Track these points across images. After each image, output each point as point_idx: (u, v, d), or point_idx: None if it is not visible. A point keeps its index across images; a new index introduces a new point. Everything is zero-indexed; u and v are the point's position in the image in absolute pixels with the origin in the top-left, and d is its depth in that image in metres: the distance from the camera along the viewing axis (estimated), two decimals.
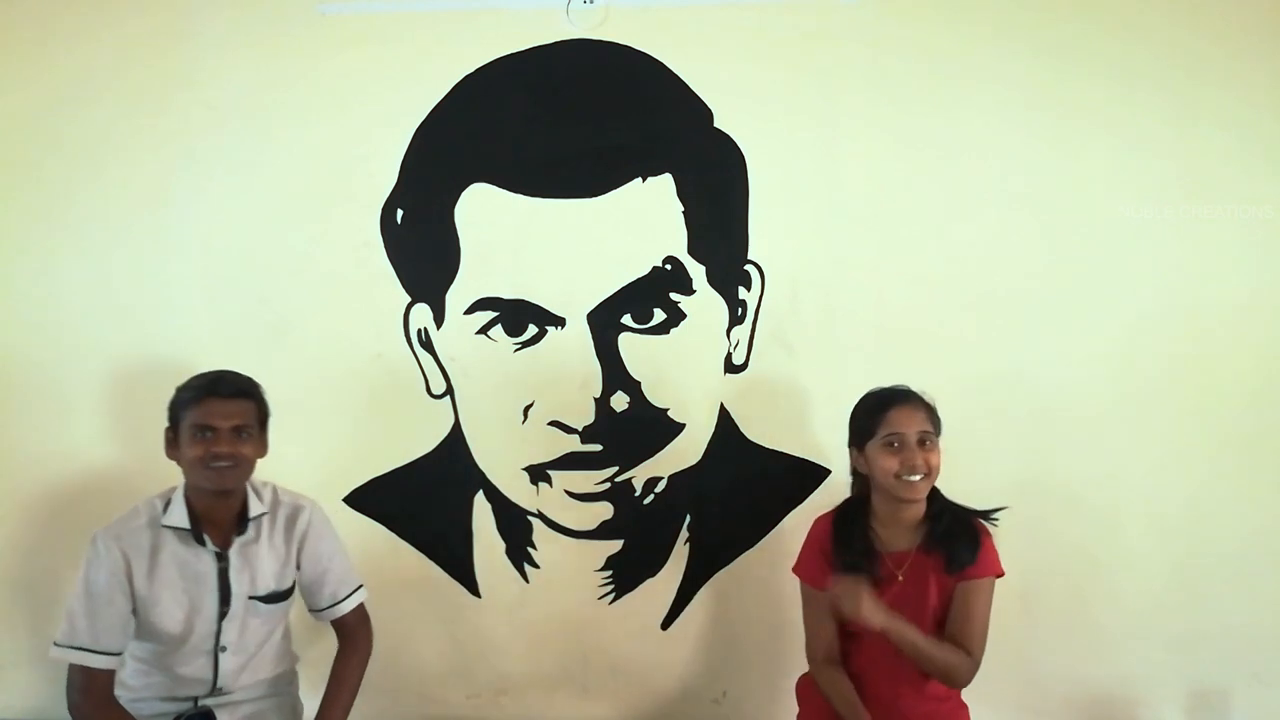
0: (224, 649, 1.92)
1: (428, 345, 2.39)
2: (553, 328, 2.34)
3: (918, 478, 1.89)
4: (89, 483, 2.36)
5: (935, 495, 1.98)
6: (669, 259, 2.34)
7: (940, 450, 1.93)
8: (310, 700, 2.12)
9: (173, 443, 1.92)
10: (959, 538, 1.92)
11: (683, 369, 2.35)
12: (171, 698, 1.93)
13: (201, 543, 1.90)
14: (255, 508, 1.95)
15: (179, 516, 1.90)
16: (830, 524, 2.02)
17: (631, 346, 2.33)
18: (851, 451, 2.01)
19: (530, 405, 2.35)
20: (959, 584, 1.92)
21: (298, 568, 2.00)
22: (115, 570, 1.85)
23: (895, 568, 1.95)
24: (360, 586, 2.06)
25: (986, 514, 1.99)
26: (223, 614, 1.91)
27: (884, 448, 1.92)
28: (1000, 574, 1.95)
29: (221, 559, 1.91)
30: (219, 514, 1.92)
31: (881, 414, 1.95)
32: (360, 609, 2.06)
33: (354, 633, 2.05)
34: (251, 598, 1.93)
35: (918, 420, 1.92)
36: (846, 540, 1.97)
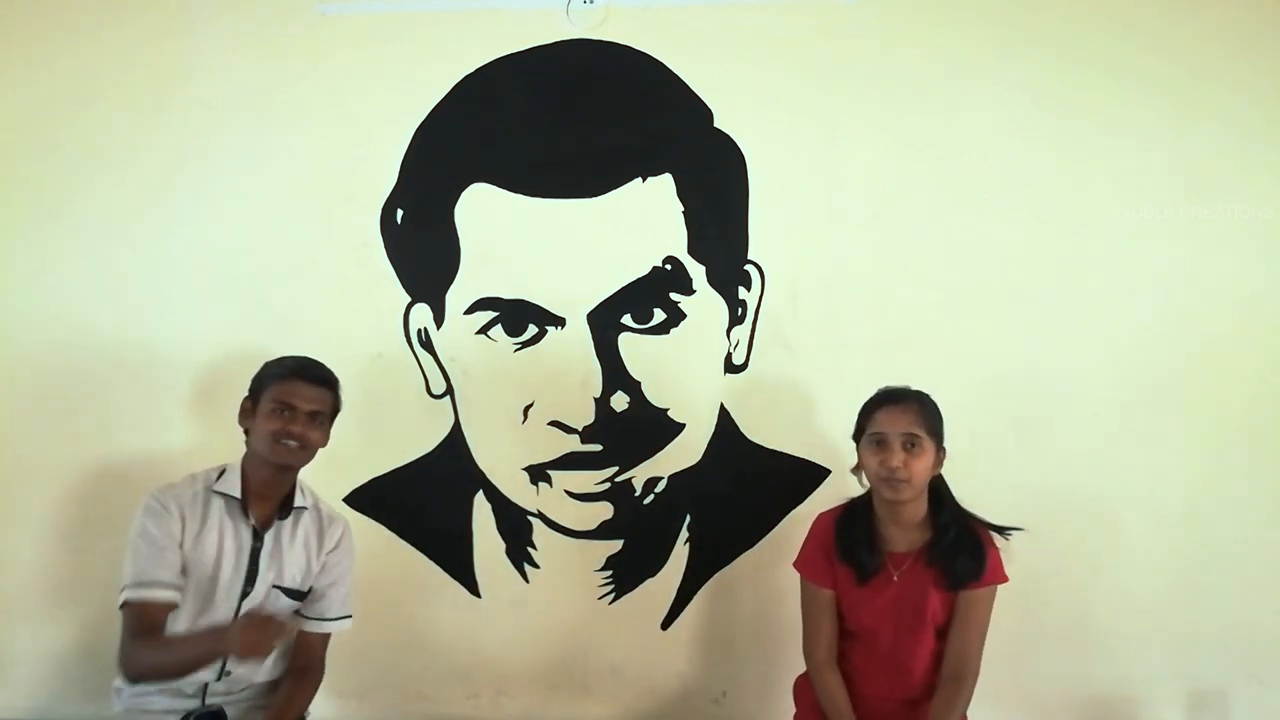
0: None
1: (428, 345, 2.39)
2: (553, 328, 2.34)
3: (896, 477, 1.88)
4: (90, 485, 2.36)
5: (944, 501, 1.98)
6: (669, 259, 2.34)
7: (934, 456, 1.92)
8: (314, 701, 2.13)
9: (248, 412, 1.98)
10: (961, 553, 1.92)
11: (683, 369, 2.35)
12: (179, 692, 1.93)
13: (246, 515, 1.96)
14: (300, 500, 2.02)
15: (232, 485, 1.97)
16: (833, 520, 2.03)
17: (631, 346, 2.33)
18: (855, 446, 2.01)
19: (530, 405, 2.35)
20: (961, 592, 1.92)
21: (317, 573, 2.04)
22: (170, 521, 1.91)
23: (894, 568, 1.95)
24: (349, 619, 2.07)
25: (999, 529, 1.98)
26: (245, 593, 1.94)
27: (870, 445, 1.94)
28: (1004, 581, 1.95)
29: (257, 538, 1.95)
30: (270, 492, 1.98)
31: (872, 412, 1.97)
32: (327, 642, 2.06)
33: (312, 659, 2.03)
34: (275, 586, 1.96)
35: (904, 421, 1.91)
36: (850, 535, 1.98)
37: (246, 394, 1.99)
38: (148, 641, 1.83)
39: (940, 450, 1.95)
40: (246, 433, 1.99)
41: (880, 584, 1.95)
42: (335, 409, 2.03)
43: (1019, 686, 2.30)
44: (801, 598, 2.05)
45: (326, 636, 2.06)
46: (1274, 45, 2.33)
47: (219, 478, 1.98)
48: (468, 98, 2.39)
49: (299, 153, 2.41)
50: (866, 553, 1.95)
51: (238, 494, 1.96)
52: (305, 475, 2.12)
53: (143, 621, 1.85)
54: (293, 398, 1.94)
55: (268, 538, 1.96)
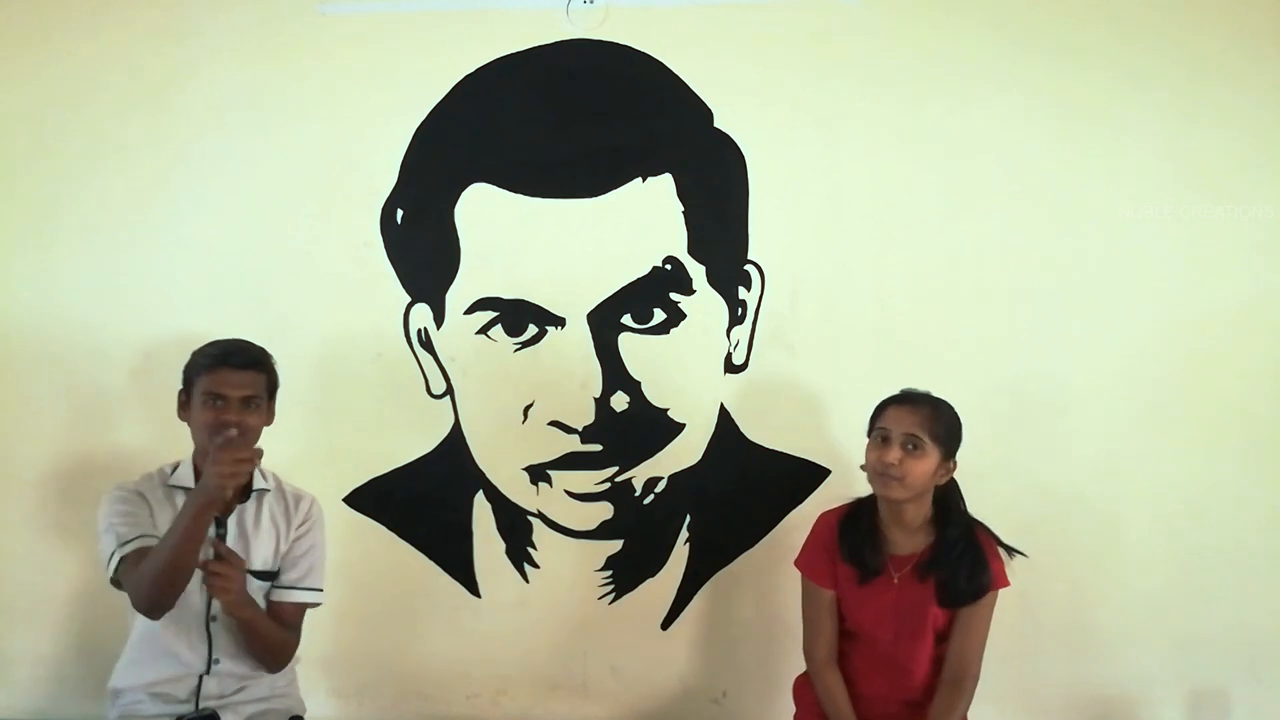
0: (214, 619, 1.93)
1: (428, 345, 2.39)
2: (553, 328, 2.34)
3: (889, 473, 1.88)
4: (91, 485, 2.35)
5: (954, 511, 1.96)
6: (669, 259, 2.34)
7: (936, 462, 1.90)
8: (311, 700, 2.13)
9: (184, 405, 1.98)
10: (963, 569, 1.90)
11: (683, 369, 2.34)
12: (172, 697, 1.93)
13: None
14: (259, 483, 2.01)
15: (185, 477, 1.98)
16: (836, 520, 2.02)
17: (631, 346, 2.33)
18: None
19: (530, 405, 2.35)
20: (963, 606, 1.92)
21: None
22: (135, 500, 1.94)
23: (896, 571, 1.95)
24: (320, 592, 2.03)
25: (1007, 548, 1.97)
26: None
27: (874, 441, 1.95)
28: (1005, 586, 1.95)
29: (220, 525, 1.93)
30: None
31: (884, 410, 1.96)
32: (301, 614, 2.02)
33: (286, 628, 1.99)
34: (246, 570, 1.94)
35: (909, 422, 1.90)
36: (854, 534, 1.97)
37: (180, 387, 1.98)
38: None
39: (947, 460, 1.93)
40: (189, 425, 1.98)
41: (881, 586, 1.95)
42: (272, 387, 2.01)
43: (1019, 687, 2.30)
44: (802, 597, 2.05)
45: (298, 609, 2.01)
46: (1274, 45, 2.33)
47: (173, 472, 1.99)
48: (468, 98, 2.39)
49: (299, 153, 2.40)
50: (870, 553, 1.95)
51: (192, 485, 1.95)
52: (306, 474, 2.12)
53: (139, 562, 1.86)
54: (222, 386, 1.91)
55: (230, 524, 1.95)
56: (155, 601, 1.84)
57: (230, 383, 1.92)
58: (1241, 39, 2.33)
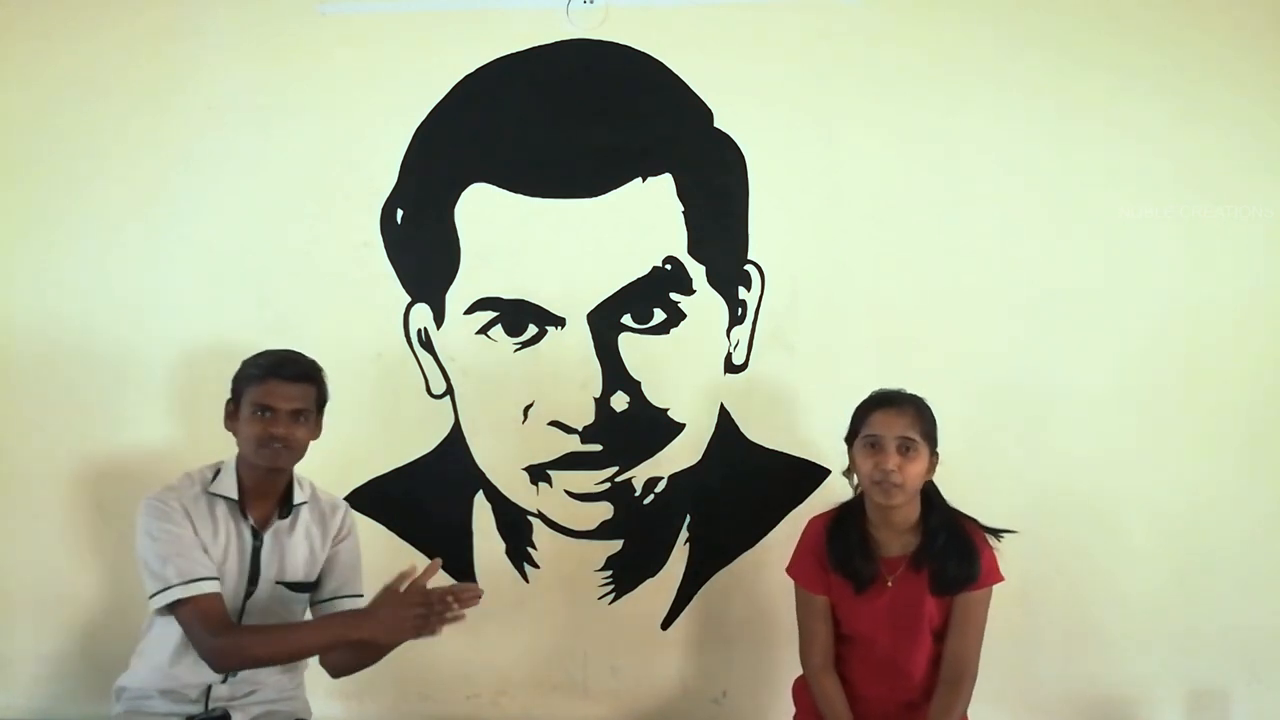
0: None
1: (428, 345, 2.39)
2: (553, 328, 2.34)
3: (890, 480, 1.86)
4: (91, 486, 2.36)
5: (935, 503, 1.96)
6: (669, 259, 2.34)
7: (928, 460, 1.91)
8: (313, 700, 2.13)
9: (232, 415, 1.95)
10: (951, 556, 1.90)
11: (683, 369, 2.35)
12: (182, 696, 1.92)
13: (245, 517, 1.94)
14: (298, 495, 2.00)
15: (228, 486, 1.94)
16: (825, 525, 2.01)
17: (631, 346, 2.33)
18: (847, 448, 2.00)
19: (530, 405, 2.35)
20: (957, 594, 1.92)
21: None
22: (180, 517, 1.87)
23: (888, 573, 1.94)
24: (362, 597, 2.03)
25: (992, 531, 1.97)
26: (249, 593, 1.92)
27: (864, 448, 1.92)
28: (1000, 581, 1.94)
29: (256, 538, 1.93)
30: (265, 491, 1.95)
31: (868, 414, 1.94)
32: None
33: None
34: (279, 582, 1.94)
35: (900, 425, 1.89)
36: (843, 543, 1.96)
37: (229, 396, 1.96)
38: (219, 630, 1.81)
39: (934, 455, 1.93)
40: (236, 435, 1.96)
41: (875, 590, 1.94)
42: (321, 400, 1.99)
43: (1019, 687, 2.30)
44: (796, 603, 2.04)
45: None
46: (1274, 45, 2.33)
47: (214, 478, 1.95)
48: (468, 98, 2.39)
49: (299, 153, 2.41)
50: (861, 561, 1.93)
51: (235, 495, 1.93)
52: (306, 474, 2.12)
53: (212, 614, 1.82)
54: (271, 399, 1.89)
55: (267, 536, 1.94)
56: (236, 669, 1.89)
57: (280, 395, 1.89)
58: (1241, 39, 2.33)
